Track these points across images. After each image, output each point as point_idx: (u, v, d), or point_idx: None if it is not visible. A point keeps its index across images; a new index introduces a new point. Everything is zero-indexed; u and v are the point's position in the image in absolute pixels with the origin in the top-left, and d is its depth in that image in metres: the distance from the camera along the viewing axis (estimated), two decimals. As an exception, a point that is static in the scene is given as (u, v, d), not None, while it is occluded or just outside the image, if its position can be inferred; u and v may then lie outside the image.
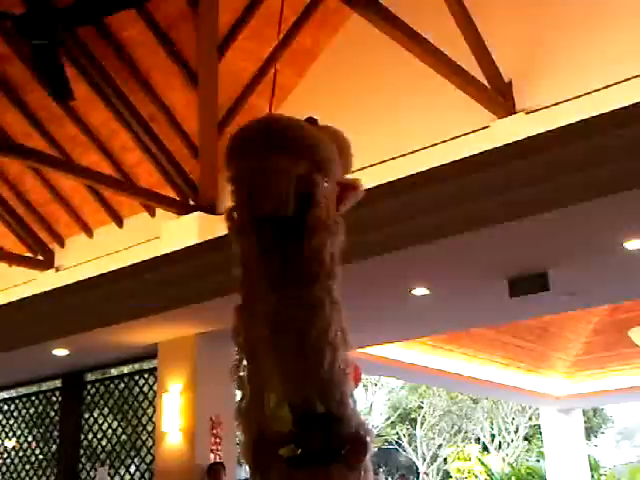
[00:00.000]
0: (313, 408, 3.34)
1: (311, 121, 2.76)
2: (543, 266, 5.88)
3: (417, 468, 21.47)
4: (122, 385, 9.11)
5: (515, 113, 6.01)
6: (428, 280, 6.36)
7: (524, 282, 6.01)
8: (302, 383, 3.34)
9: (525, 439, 20.45)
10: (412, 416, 22.10)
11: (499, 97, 6.03)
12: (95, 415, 9.40)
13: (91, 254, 10.63)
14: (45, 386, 10.30)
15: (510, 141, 5.31)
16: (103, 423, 9.34)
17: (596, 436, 24.85)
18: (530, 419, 19.55)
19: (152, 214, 10.24)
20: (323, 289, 2.70)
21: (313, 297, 2.76)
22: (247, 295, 3.06)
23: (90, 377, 9.64)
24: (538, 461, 17.18)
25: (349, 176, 2.95)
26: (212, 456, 7.46)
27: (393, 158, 6.28)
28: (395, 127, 6.41)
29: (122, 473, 8.92)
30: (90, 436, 9.29)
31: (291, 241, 2.70)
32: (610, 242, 5.42)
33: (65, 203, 10.79)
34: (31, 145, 9.00)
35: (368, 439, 3.60)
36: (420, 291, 6.56)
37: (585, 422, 15.37)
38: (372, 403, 24.86)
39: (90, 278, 8.09)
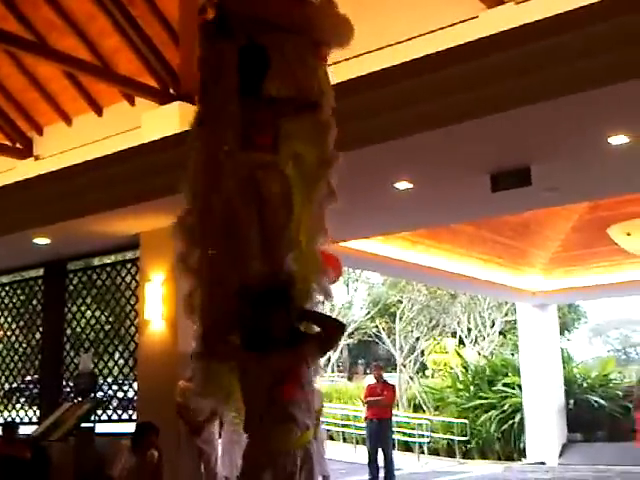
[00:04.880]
0: (274, 283, 3.43)
1: None
2: (526, 161, 5.86)
3: (395, 360, 22.05)
4: (105, 275, 9.16)
5: (504, 3, 5.85)
6: (411, 174, 6.33)
7: (507, 177, 6.00)
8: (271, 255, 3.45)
9: (501, 334, 20.96)
10: (391, 310, 22.53)
11: (489, -14, 5.86)
12: (78, 304, 9.49)
13: (71, 143, 10.46)
14: (27, 275, 10.34)
15: (497, 32, 5.18)
16: (86, 312, 9.45)
17: (570, 331, 25.54)
18: (506, 314, 20.00)
19: (132, 103, 10.04)
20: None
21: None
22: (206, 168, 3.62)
23: (72, 266, 9.68)
24: (513, 355, 17.70)
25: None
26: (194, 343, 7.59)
27: (379, 49, 6.13)
28: (381, 17, 6.23)
29: (106, 360, 9.09)
30: (74, 324, 9.41)
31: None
32: (594, 137, 5.39)
33: (43, 90, 10.53)
34: (6, 28, 8.70)
35: (342, 324, 3.72)
36: (403, 185, 6.54)
37: (560, 318, 15.73)
38: (352, 297, 25.30)
39: (70, 166, 8.00)
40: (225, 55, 3.54)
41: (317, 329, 3.48)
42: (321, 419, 9.87)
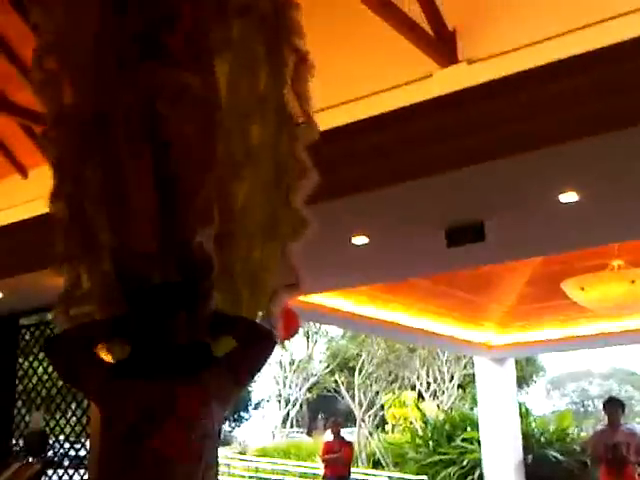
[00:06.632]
0: (176, 269, 2.21)
1: None
2: (479, 217, 5.96)
3: (355, 415, 21.89)
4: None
5: (457, 62, 6.00)
6: (368, 229, 6.39)
7: (461, 232, 6.09)
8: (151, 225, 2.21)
9: (460, 387, 21.00)
10: (350, 364, 22.46)
11: (442, 46, 6.00)
12: (30, 359, 9.29)
13: (27, 195, 10.34)
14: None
15: (451, 91, 5.32)
16: (38, 367, 9.24)
17: (528, 385, 25.70)
18: (465, 368, 20.06)
19: (90, 156, 10.00)
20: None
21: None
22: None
23: (25, 321, 9.50)
24: (472, 409, 17.68)
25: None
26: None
27: (331, 106, 6.21)
28: (335, 74, 6.33)
29: (58, 418, 8.87)
30: (25, 381, 9.19)
31: None
32: (545, 195, 5.51)
33: (-1, 143, 10.45)
34: (-38, 81, 8.66)
35: (270, 335, 2.33)
36: (360, 240, 6.59)
37: (518, 371, 15.80)
38: (312, 351, 25.17)
39: (25, 220, 7.90)
40: None
41: (231, 344, 2.32)
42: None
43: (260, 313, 2.46)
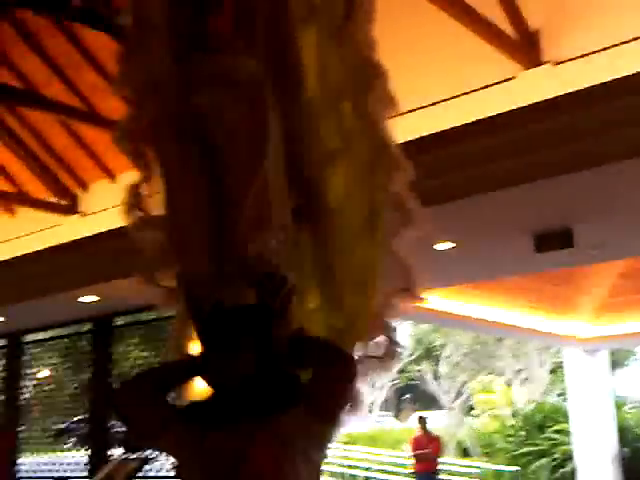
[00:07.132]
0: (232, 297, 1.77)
1: None
2: (568, 223, 5.81)
3: (441, 402, 21.76)
4: (151, 329, 9.34)
5: (542, 64, 5.81)
6: (454, 236, 6.31)
7: (549, 238, 5.96)
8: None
9: (550, 372, 20.54)
10: (436, 353, 22.28)
11: (526, 47, 5.82)
12: (123, 354, 9.68)
13: (115, 199, 10.59)
14: (76, 330, 10.56)
15: (536, 93, 5.19)
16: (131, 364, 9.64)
17: (622, 368, 24.95)
18: (556, 354, 19.62)
19: (176, 160, 10.16)
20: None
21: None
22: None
23: (119, 321, 9.86)
24: (561, 395, 17.28)
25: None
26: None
27: (411, 110, 6.10)
28: (416, 79, 6.23)
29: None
30: (119, 374, 9.60)
31: None
32: (636, 201, 5.33)
33: (87, 148, 10.73)
34: (52, 93, 8.92)
35: (350, 365, 1.85)
36: (444, 245, 6.51)
37: (610, 356, 15.26)
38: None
39: (118, 228, 8.14)
40: None
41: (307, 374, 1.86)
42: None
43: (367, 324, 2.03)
